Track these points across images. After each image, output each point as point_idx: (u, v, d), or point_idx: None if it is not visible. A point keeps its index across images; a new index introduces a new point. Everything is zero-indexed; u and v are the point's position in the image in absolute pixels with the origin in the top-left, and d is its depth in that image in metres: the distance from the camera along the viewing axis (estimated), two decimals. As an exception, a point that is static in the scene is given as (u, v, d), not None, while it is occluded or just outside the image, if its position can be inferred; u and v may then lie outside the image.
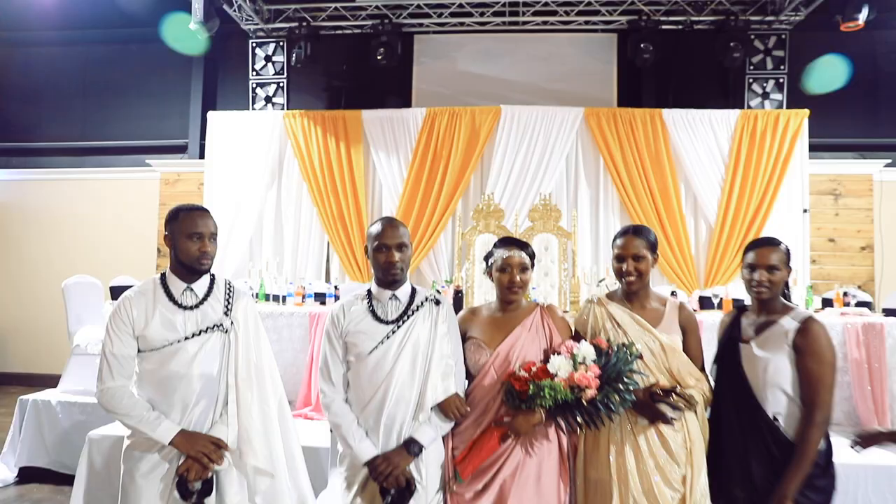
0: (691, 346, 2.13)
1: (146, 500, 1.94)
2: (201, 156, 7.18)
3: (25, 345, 7.23)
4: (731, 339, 2.11)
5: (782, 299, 2.08)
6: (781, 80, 6.64)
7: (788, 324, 2.00)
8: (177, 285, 2.08)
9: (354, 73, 7.11)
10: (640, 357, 2.00)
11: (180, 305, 2.05)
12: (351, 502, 2.03)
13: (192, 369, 2.01)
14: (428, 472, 2.02)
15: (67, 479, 4.17)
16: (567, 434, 2.10)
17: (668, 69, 6.72)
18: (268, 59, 7.12)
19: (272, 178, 6.65)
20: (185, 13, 6.27)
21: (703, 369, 2.14)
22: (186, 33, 6.27)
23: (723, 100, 6.68)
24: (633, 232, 2.18)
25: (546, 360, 1.99)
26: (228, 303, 2.12)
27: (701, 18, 6.59)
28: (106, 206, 7.41)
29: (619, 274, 2.16)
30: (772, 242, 2.08)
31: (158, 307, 2.04)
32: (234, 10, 6.57)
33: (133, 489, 1.97)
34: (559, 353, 1.99)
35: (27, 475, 4.26)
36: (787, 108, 6.49)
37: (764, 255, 2.03)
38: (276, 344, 4.29)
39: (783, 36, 6.63)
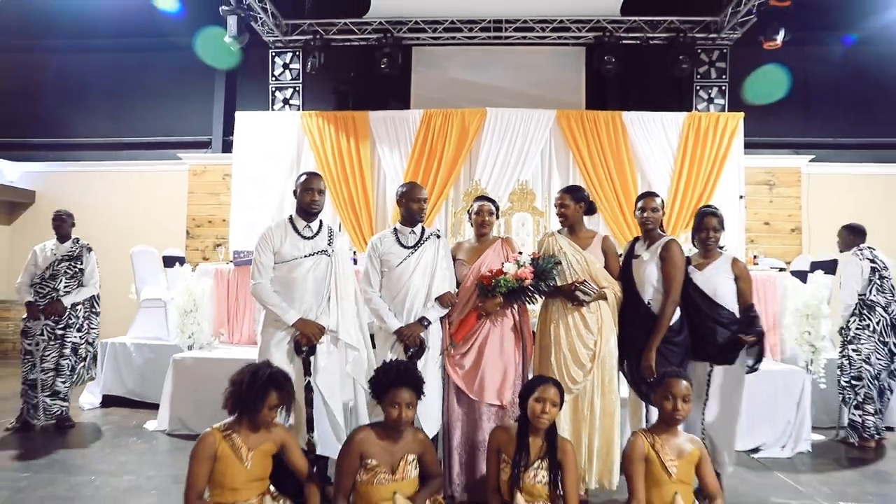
0: (610, 263, 3.22)
1: (277, 357, 2.98)
2: (223, 150, 7.90)
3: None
4: (627, 257, 3.24)
5: (659, 230, 3.19)
6: (724, 88, 7.65)
7: (659, 244, 3.11)
8: (300, 223, 3.16)
9: (361, 80, 7.92)
10: (559, 263, 3.11)
11: (301, 236, 3.13)
12: (385, 355, 3.12)
13: (308, 276, 3.08)
14: (433, 340, 3.17)
15: (140, 405, 5.16)
16: (519, 315, 3.21)
17: (628, 78, 7.63)
18: (285, 66, 7.94)
19: (291, 169, 7.30)
20: (213, 27, 7.07)
21: (618, 279, 3.20)
22: (217, 50, 7.05)
23: (675, 104, 7.56)
24: (562, 190, 3.31)
25: (502, 266, 3.11)
26: (331, 239, 3.20)
27: (656, 35, 7.51)
28: (137, 195, 8.08)
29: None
30: (654, 194, 3.21)
31: (288, 235, 3.12)
32: (259, 25, 7.41)
33: (268, 351, 3.03)
34: (510, 262, 3.12)
35: (108, 401, 5.24)
36: (729, 110, 7.42)
37: (650, 202, 3.16)
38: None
39: (725, 50, 7.63)
